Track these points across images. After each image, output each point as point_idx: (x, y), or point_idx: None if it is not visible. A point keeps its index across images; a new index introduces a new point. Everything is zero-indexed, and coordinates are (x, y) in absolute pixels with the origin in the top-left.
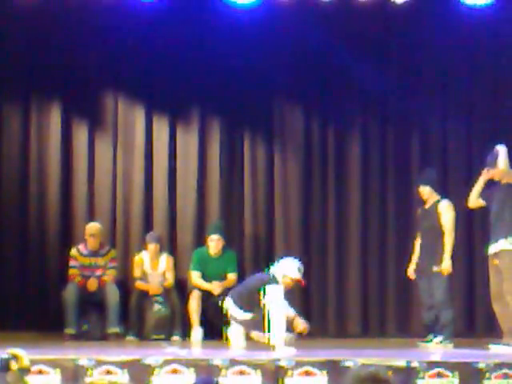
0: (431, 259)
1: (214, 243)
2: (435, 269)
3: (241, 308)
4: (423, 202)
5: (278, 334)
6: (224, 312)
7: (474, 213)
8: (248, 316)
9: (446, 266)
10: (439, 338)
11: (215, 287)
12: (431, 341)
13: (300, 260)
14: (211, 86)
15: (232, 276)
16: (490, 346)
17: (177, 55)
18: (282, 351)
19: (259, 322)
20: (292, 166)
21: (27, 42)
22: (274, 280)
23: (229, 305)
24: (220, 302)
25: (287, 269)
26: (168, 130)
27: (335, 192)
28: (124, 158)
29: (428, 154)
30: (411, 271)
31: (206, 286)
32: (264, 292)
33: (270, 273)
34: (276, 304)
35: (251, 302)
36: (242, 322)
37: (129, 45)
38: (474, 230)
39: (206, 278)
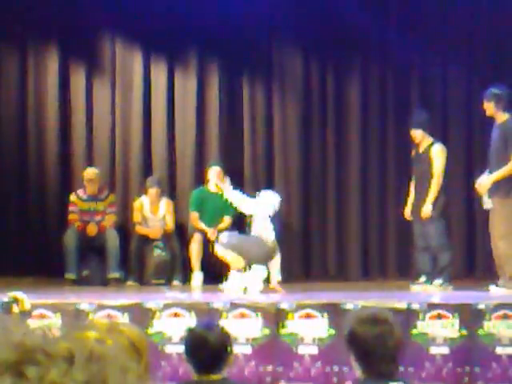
0: (422, 204)
1: (214, 173)
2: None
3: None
4: (417, 145)
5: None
6: None
7: (474, 155)
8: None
9: (427, 210)
10: (438, 281)
11: (211, 233)
12: (425, 283)
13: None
14: (209, 29)
15: (227, 219)
16: (490, 287)
17: None
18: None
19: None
20: (291, 109)
21: None
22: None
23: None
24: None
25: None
26: (166, 74)
27: (334, 134)
28: (122, 102)
29: (428, 96)
30: (408, 213)
31: (203, 228)
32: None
33: None
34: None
35: None
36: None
37: None
38: (474, 172)
39: (205, 216)
